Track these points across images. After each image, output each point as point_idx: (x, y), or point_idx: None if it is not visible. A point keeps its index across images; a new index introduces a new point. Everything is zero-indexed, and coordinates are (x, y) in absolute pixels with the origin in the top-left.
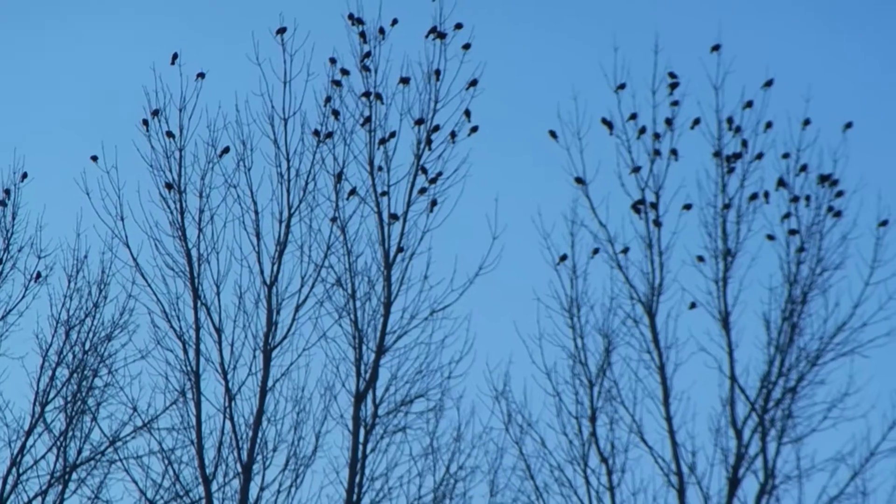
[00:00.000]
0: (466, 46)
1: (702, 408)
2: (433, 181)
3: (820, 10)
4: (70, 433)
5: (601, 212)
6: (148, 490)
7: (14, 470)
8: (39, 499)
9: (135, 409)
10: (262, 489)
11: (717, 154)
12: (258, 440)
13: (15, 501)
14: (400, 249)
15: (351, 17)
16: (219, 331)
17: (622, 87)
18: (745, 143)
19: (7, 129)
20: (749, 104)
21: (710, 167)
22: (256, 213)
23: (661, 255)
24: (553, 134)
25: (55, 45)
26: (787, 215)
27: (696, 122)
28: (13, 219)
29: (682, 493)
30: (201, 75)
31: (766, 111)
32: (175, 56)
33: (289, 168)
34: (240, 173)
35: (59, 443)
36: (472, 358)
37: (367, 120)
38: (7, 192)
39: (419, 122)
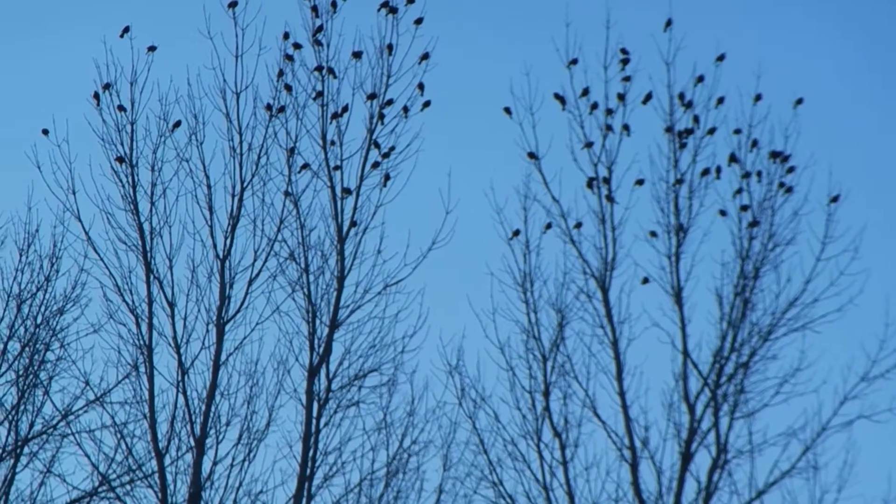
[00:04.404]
0: (419, 21)
1: (655, 383)
2: (386, 155)
3: None
4: (22, 407)
5: (554, 186)
6: (100, 464)
7: None
8: None
9: (87, 383)
10: (215, 463)
11: (669, 129)
12: (211, 414)
13: None
14: (353, 223)
15: None
16: (171, 305)
17: (574, 62)
18: (696, 119)
19: None
20: (700, 79)
21: (663, 143)
22: (209, 186)
23: (614, 231)
24: (508, 111)
25: (4, 17)
26: (739, 191)
27: (648, 97)
28: None
29: (635, 467)
30: (152, 49)
31: (717, 87)
32: (126, 29)
33: (241, 142)
34: (192, 147)
35: (10, 417)
36: (425, 332)
37: (320, 94)
38: None
39: (372, 96)
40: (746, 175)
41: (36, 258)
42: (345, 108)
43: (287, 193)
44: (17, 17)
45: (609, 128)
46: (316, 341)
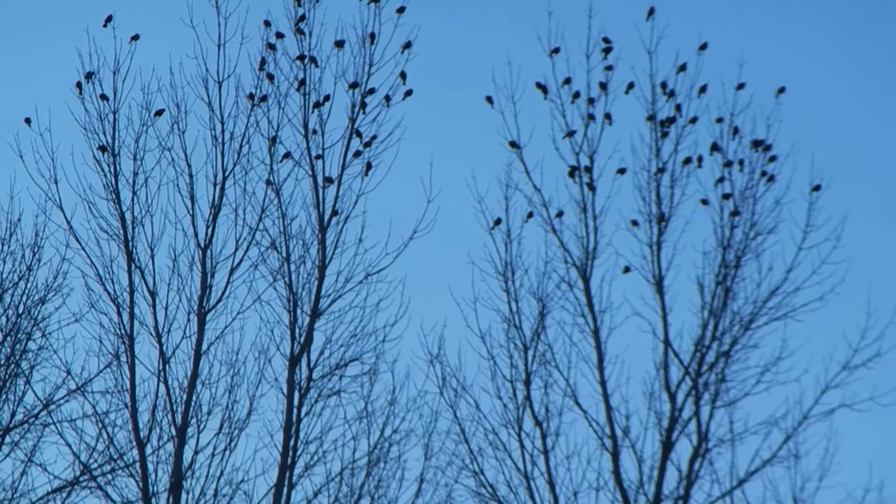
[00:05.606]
0: (401, 10)
1: (636, 371)
2: (368, 144)
3: None
4: (3, 396)
5: (535, 176)
6: (82, 453)
7: None
8: None
9: (68, 373)
10: (196, 452)
11: (651, 118)
12: (192, 403)
13: None
14: (334, 212)
15: None
16: (153, 294)
17: (556, 51)
18: (678, 108)
19: None
20: (683, 68)
21: (644, 131)
22: (191, 175)
23: (596, 220)
24: (489, 100)
25: None
26: (721, 180)
27: (631, 86)
28: None
29: (616, 456)
30: (135, 38)
31: (699, 76)
32: (109, 18)
33: (223, 131)
34: (174, 136)
35: None
36: (406, 321)
37: (302, 83)
38: None
39: (353, 85)
40: (728, 164)
41: (18, 247)
42: (327, 98)
43: (269, 182)
44: None
45: (591, 117)
46: (297, 330)
